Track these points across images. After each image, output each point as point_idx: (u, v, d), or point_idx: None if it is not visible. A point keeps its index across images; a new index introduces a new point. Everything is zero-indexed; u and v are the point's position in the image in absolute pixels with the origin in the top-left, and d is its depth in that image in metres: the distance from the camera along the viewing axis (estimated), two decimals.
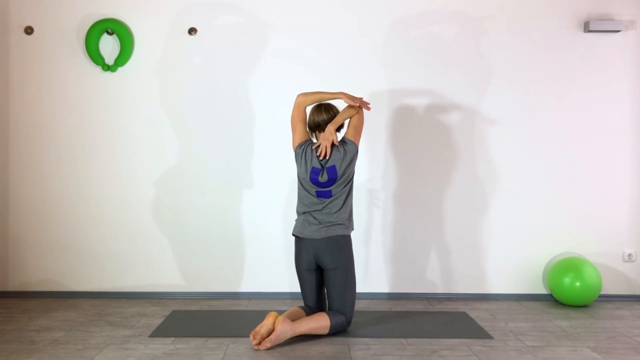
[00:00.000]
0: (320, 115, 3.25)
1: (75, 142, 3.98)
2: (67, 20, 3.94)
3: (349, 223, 3.22)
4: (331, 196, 3.18)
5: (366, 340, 3.07)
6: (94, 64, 3.93)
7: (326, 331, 3.07)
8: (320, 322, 3.06)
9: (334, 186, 3.18)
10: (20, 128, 3.98)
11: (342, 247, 3.16)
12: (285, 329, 2.92)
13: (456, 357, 2.82)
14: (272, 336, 2.90)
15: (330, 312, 3.14)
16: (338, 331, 3.13)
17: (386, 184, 3.98)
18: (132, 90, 3.97)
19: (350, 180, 3.23)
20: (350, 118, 3.27)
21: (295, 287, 3.94)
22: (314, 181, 3.17)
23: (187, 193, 3.99)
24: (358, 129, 3.26)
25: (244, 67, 3.96)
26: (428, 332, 3.20)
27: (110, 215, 3.99)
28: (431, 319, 3.46)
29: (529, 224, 3.99)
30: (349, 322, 3.17)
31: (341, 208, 3.18)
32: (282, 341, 2.95)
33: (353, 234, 3.44)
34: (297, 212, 3.28)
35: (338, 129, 3.27)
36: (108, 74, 3.96)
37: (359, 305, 3.69)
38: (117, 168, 3.98)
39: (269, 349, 2.89)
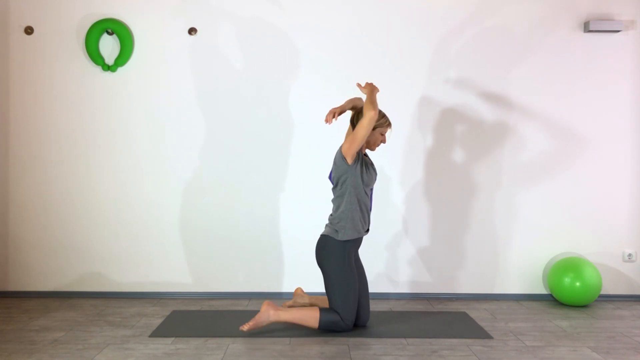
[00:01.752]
0: None
1: (75, 142, 3.98)
2: (67, 20, 3.94)
3: (339, 229, 3.14)
4: (333, 197, 3.25)
5: (366, 340, 3.06)
6: (94, 64, 3.93)
7: (315, 324, 3.09)
8: (309, 314, 3.10)
9: (332, 188, 3.25)
10: (20, 128, 3.98)
11: (325, 247, 3.16)
12: (267, 311, 3.04)
13: (456, 357, 2.82)
14: (255, 317, 3.01)
15: (326, 308, 3.16)
16: (333, 330, 3.13)
17: (384, 185, 3.98)
18: (132, 90, 3.97)
19: (342, 187, 3.15)
20: (358, 114, 3.21)
21: (294, 288, 3.96)
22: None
23: (187, 193, 3.99)
24: (352, 140, 3.06)
25: (244, 67, 3.96)
26: (428, 332, 3.19)
27: (110, 215, 3.99)
28: (431, 319, 3.46)
29: (529, 224, 3.99)
30: (345, 324, 3.12)
31: (336, 212, 3.18)
32: (262, 324, 3.06)
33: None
34: None
35: (355, 121, 3.21)
36: (108, 74, 3.96)
37: None
38: (117, 168, 3.98)
39: (251, 330, 3.02)
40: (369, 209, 3.26)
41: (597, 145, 3.98)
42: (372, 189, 3.28)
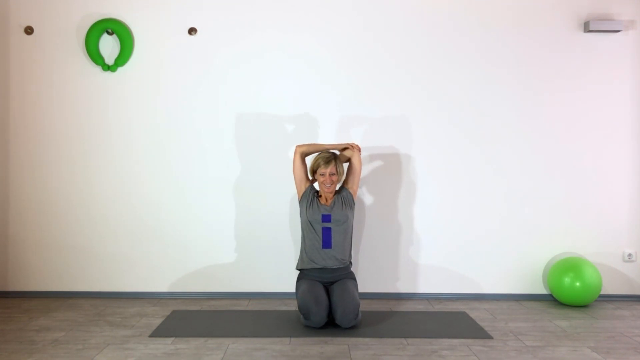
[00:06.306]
0: None
1: (75, 142, 3.98)
2: (67, 20, 3.94)
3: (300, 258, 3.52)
4: None
5: (366, 340, 3.07)
6: (94, 64, 3.93)
7: None
8: None
9: None
10: (20, 128, 3.98)
11: None
12: None
13: (456, 357, 2.82)
14: None
15: None
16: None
17: (385, 185, 3.98)
18: (132, 90, 3.97)
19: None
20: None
21: (293, 288, 3.96)
22: None
23: (187, 193, 3.99)
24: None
25: (244, 67, 3.96)
26: (428, 332, 3.20)
27: (110, 216, 3.99)
28: (431, 319, 3.46)
29: (529, 224, 3.99)
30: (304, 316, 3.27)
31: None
32: None
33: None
34: None
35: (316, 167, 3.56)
36: (108, 74, 3.97)
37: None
38: (116, 168, 3.98)
39: None
40: (317, 244, 3.40)
41: (597, 145, 3.98)
42: (327, 228, 3.41)
